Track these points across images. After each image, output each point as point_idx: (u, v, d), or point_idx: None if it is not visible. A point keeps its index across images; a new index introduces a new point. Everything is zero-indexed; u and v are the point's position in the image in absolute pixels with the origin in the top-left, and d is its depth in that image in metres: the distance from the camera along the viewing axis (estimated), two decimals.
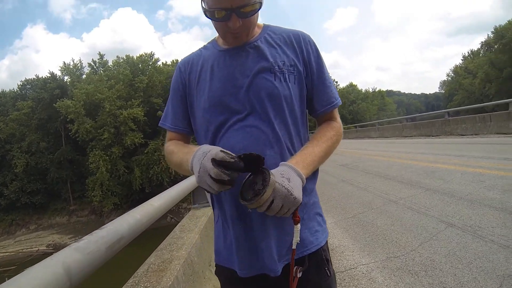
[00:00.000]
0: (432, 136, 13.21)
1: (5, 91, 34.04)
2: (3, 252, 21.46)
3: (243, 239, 0.90)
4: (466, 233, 2.82)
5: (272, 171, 0.78)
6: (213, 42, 1.04)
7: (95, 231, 1.30)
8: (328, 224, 3.89)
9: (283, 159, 0.89)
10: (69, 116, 25.88)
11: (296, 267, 0.87)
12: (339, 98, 1.05)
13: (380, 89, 63.32)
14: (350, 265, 2.67)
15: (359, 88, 57.95)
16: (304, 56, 0.97)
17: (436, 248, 2.65)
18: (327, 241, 1.00)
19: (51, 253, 1.20)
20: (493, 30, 38.61)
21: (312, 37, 1.02)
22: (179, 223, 3.11)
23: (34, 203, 26.98)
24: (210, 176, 0.73)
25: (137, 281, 1.90)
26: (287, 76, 0.93)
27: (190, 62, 1.03)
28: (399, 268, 2.44)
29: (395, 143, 12.92)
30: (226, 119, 0.91)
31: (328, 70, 1.05)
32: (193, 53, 1.07)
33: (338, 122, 1.04)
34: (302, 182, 0.81)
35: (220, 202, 0.96)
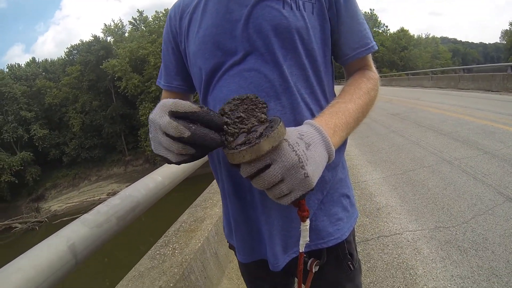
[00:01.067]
0: (492, 91, 11.60)
1: (54, 60, 36.67)
2: (70, 203, 24.44)
3: (241, 220, 0.73)
4: None
5: (287, 128, 0.52)
6: None
7: (109, 199, 1.20)
8: (376, 179, 3.67)
9: (297, 115, 0.65)
10: (116, 74, 27.09)
11: (311, 259, 0.69)
12: (375, 42, 0.76)
13: (434, 36, 57.19)
14: (396, 229, 2.46)
15: (411, 34, 52.97)
16: None
17: (490, 224, 2.32)
18: (353, 229, 0.78)
19: None
20: None
21: None
22: None
23: (93, 157, 29.67)
24: (166, 133, 0.50)
25: (166, 241, 1.88)
26: (301, 4, 0.66)
27: (182, 5, 0.80)
28: (448, 241, 2.19)
29: (450, 95, 11.70)
30: (219, 63, 0.69)
31: (375, 13, 0.73)
32: None
33: (375, 72, 0.77)
34: (328, 159, 0.55)
35: (216, 173, 0.78)
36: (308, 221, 0.55)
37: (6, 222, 22.30)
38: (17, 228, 21.45)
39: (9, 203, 26.44)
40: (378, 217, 2.71)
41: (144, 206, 1.30)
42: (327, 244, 0.70)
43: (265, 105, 0.54)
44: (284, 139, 0.48)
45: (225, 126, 0.52)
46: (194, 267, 1.64)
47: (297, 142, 0.49)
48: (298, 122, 0.62)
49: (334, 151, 0.55)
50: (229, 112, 0.54)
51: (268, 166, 0.47)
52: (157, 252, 1.74)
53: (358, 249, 1.67)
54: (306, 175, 0.47)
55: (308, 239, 0.57)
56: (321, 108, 0.68)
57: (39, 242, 0.89)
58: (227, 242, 0.88)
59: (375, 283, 1.90)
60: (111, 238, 1.07)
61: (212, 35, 0.69)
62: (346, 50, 0.74)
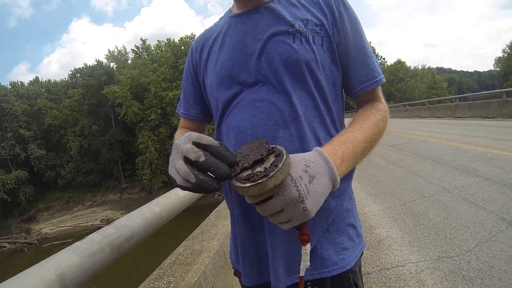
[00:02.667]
0: (488, 118, 11.86)
1: (57, 81, 37.21)
2: (62, 226, 23.78)
3: (249, 242, 0.76)
4: None
5: (296, 156, 0.56)
6: (228, 11, 0.86)
7: (103, 228, 1.16)
8: (376, 211, 3.61)
9: (304, 144, 0.69)
10: (117, 101, 27.14)
11: None
12: (383, 74, 0.80)
13: (430, 66, 58.96)
14: (398, 262, 2.39)
15: (408, 65, 54.51)
16: (335, 17, 0.74)
17: (495, 251, 2.28)
18: (359, 260, 0.77)
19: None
20: None
21: None
22: (216, 209, 2.98)
23: (88, 182, 29.20)
24: (185, 157, 0.55)
25: (161, 274, 1.80)
26: (310, 37, 0.71)
27: (203, 39, 0.87)
28: (452, 271, 2.12)
29: (447, 124, 11.85)
30: (234, 94, 0.74)
31: (373, 46, 0.76)
32: (207, 28, 0.90)
33: (384, 104, 0.80)
34: (333, 187, 0.57)
35: (227, 197, 0.80)
36: (308, 245, 0.57)
37: None
38: (5, 248, 20.77)
39: None
40: (379, 249, 2.65)
41: (140, 236, 1.26)
42: (331, 273, 0.70)
43: (270, 147, 0.56)
44: (288, 174, 0.51)
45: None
46: None
47: (300, 177, 0.52)
48: (304, 151, 0.64)
49: (339, 180, 0.58)
50: (239, 152, 0.59)
51: (270, 198, 0.51)
52: (151, 285, 1.66)
53: None
54: (304, 208, 0.51)
55: (308, 263, 0.58)
56: (330, 136, 0.70)
57: (26, 264, 0.85)
58: (233, 268, 0.88)
59: None
60: (103, 268, 1.02)
61: (228, 68, 0.74)
62: (355, 83, 0.77)
